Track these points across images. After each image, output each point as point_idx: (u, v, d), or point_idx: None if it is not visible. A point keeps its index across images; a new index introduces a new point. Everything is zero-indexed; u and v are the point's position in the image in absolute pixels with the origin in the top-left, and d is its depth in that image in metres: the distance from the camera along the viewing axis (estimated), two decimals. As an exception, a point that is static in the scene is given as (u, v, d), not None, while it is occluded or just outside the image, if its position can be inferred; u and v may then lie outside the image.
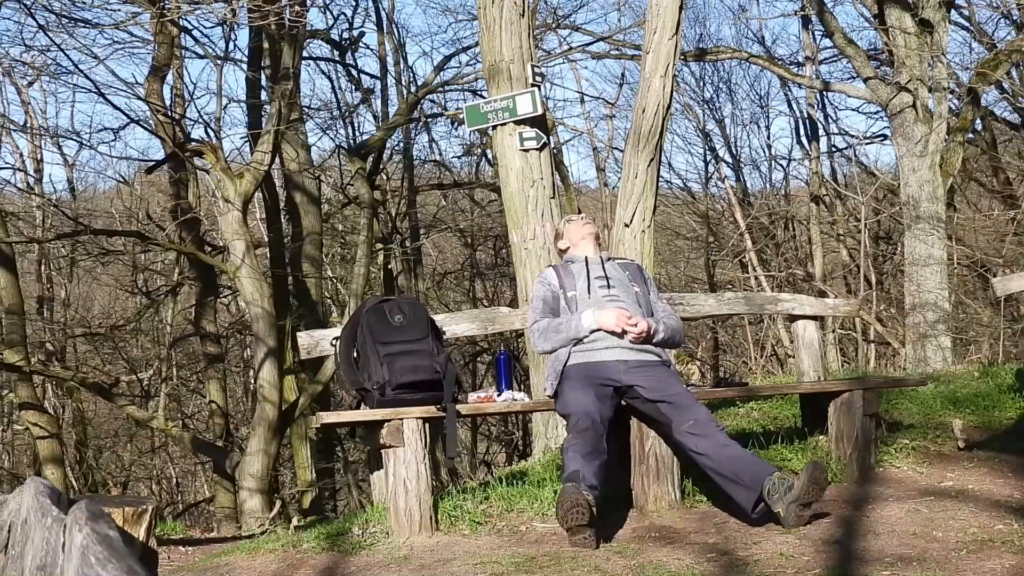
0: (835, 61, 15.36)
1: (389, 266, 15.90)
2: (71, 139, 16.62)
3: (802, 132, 17.08)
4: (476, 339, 14.80)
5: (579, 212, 5.03)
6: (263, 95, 12.98)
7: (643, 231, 6.18)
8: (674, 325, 4.48)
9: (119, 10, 9.41)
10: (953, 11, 12.60)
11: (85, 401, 15.65)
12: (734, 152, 18.24)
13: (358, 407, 4.34)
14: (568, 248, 4.67)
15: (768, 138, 21.05)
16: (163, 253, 15.31)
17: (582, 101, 21.28)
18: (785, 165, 18.71)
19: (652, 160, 6.22)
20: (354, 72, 15.81)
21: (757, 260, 15.88)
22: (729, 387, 5.62)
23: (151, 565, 2.84)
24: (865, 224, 13.99)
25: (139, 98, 10.94)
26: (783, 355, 14.11)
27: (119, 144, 21.55)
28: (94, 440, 16.38)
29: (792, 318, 5.43)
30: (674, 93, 6.53)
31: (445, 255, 19.74)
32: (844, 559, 3.53)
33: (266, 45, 12.46)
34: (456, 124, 15.10)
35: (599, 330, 4.27)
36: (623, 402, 4.27)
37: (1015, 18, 13.47)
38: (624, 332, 4.25)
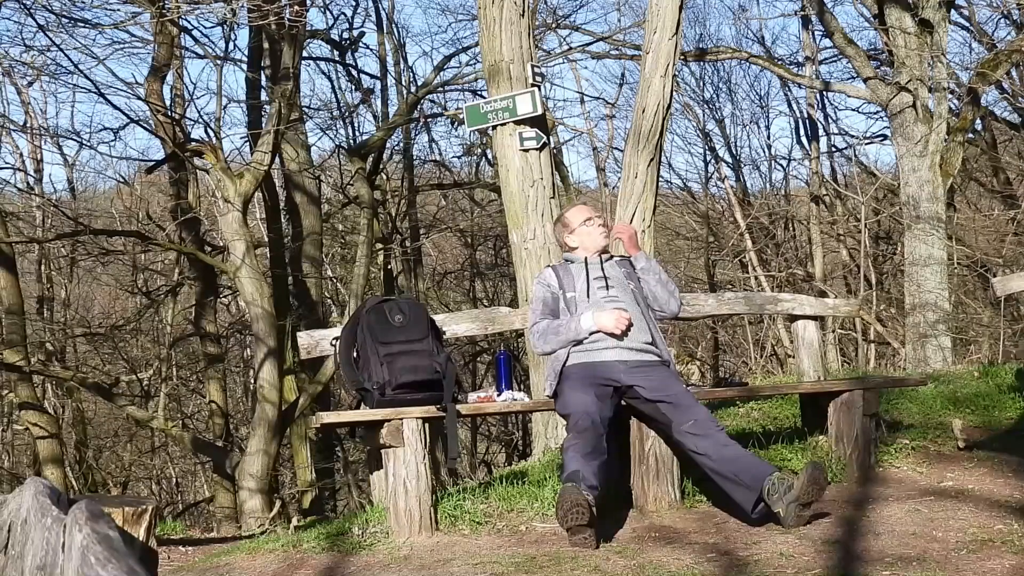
0: (835, 61, 15.41)
1: (389, 266, 15.91)
2: (71, 139, 16.60)
3: (802, 132, 17.12)
4: (476, 339, 14.80)
5: (596, 210, 4.84)
6: (263, 95, 12.99)
7: (643, 231, 6.18)
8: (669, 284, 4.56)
9: (119, 10, 9.41)
10: (953, 11, 12.62)
11: (85, 401, 15.65)
12: (734, 152, 18.27)
13: (358, 407, 4.33)
14: (576, 247, 4.60)
15: (768, 138, 21.04)
16: (163, 253, 15.32)
17: (582, 101, 21.29)
18: (785, 165, 18.76)
19: (652, 160, 6.22)
20: (354, 72, 15.85)
21: (757, 260, 15.88)
22: (729, 387, 5.61)
23: (151, 565, 2.84)
24: (865, 224, 14.00)
25: (139, 98, 10.95)
26: (783, 355, 14.12)
27: (119, 144, 21.59)
28: (94, 440, 16.38)
29: (792, 318, 5.42)
30: (674, 93, 6.53)
31: (445, 255, 19.75)
32: (844, 559, 3.52)
33: (266, 45, 12.47)
34: (456, 124, 15.12)
35: (599, 331, 4.27)
36: (623, 402, 4.27)
37: (1015, 18, 13.49)
38: (624, 334, 4.25)
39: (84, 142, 16.33)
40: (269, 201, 14.09)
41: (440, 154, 17.58)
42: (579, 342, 4.28)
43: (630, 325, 4.27)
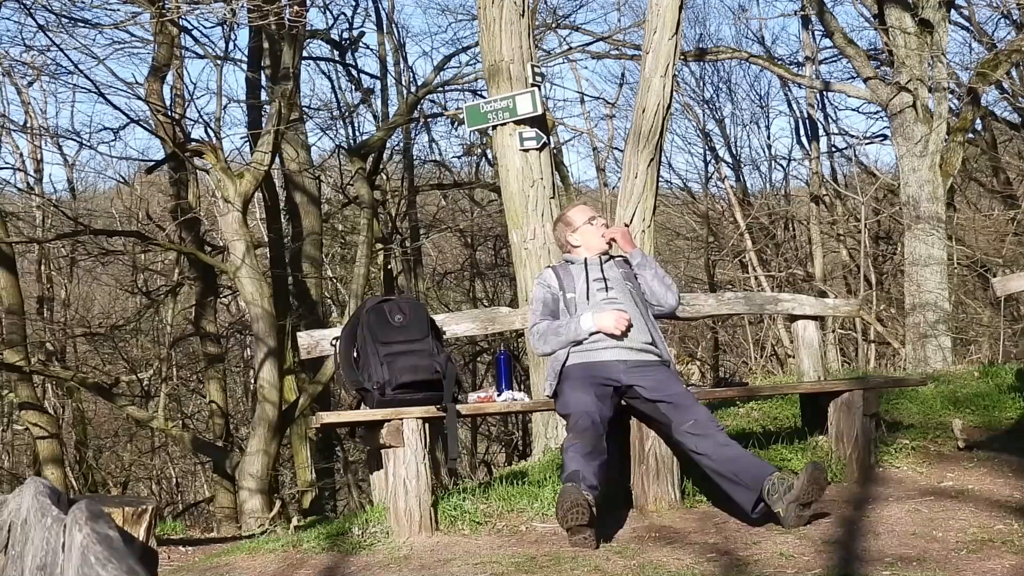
0: (835, 61, 15.40)
1: (389, 266, 15.90)
2: (71, 139, 16.57)
3: (802, 132, 17.11)
4: (476, 339, 14.80)
5: (597, 210, 4.85)
6: (263, 95, 12.98)
7: (643, 231, 6.18)
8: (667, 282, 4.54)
9: (119, 10, 9.41)
10: (953, 11, 12.61)
11: (85, 401, 15.65)
12: (734, 152, 18.26)
13: (358, 407, 4.33)
14: (579, 246, 4.59)
15: (768, 138, 20.99)
16: (163, 253, 15.31)
17: (582, 101, 21.25)
18: (785, 165, 18.75)
19: (652, 160, 6.22)
20: (354, 72, 15.85)
21: (757, 260, 15.87)
22: (729, 387, 5.62)
23: (151, 565, 2.84)
24: (865, 224, 13.99)
25: (139, 98, 10.95)
26: (783, 355, 14.11)
27: (119, 144, 21.55)
28: (94, 440, 16.38)
29: (792, 318, 5.43)
30: (674, 93, 6.53)
31: (445, 255, 19.75)
32: (844, 559, 3.53)
33: (266, 45, 12.47)
34: (456, 124, 15.11)
35: (599, 332, 4.27)
36: (623, 402, 4.27)
37: (1015, 18, 13.48)
38: (624, 334, 4.25)
39: (84, 142, 16.31)
40: (269, 201, 14.09)
41: (440, 154, 17.62)
42: (579, 342, 4.28)
43: (630, 325, 4.28)
